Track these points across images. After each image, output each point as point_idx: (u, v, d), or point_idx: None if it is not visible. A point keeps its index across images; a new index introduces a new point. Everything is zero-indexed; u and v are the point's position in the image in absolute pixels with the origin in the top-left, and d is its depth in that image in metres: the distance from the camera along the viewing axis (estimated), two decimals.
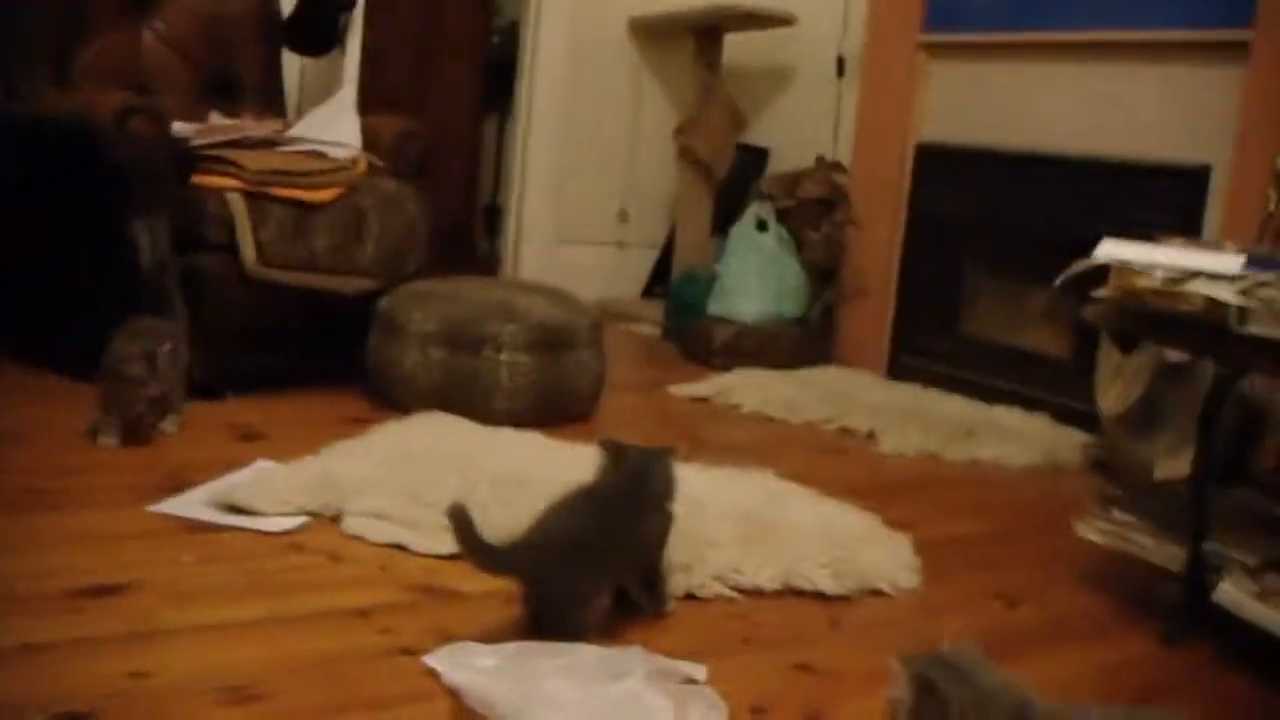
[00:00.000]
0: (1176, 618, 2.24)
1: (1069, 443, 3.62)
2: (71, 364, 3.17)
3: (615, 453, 2.08)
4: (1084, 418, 3.67)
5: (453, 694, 1.70)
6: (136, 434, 2.72)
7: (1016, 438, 3.64)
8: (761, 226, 4.67)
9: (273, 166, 3.33)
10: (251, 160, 3.29)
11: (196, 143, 3.33)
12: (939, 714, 1.34)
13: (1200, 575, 2.21)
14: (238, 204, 3.21)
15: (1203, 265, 2.11)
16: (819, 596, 2.27)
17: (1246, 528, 2.37)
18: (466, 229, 6.18)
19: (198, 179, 3.25)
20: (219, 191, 3.22)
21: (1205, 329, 2.07)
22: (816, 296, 4.67)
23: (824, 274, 4.69)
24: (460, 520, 1.83)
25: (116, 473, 2.54)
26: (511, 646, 1.80)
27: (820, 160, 4.85)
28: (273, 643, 1.84)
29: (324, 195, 3.38)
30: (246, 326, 3.25)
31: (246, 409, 3.12)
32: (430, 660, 1.77)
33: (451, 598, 2.09)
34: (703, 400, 3.90)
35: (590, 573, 1.92)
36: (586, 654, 1.76)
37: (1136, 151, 3.78)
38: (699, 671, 1.83)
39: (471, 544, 1.84)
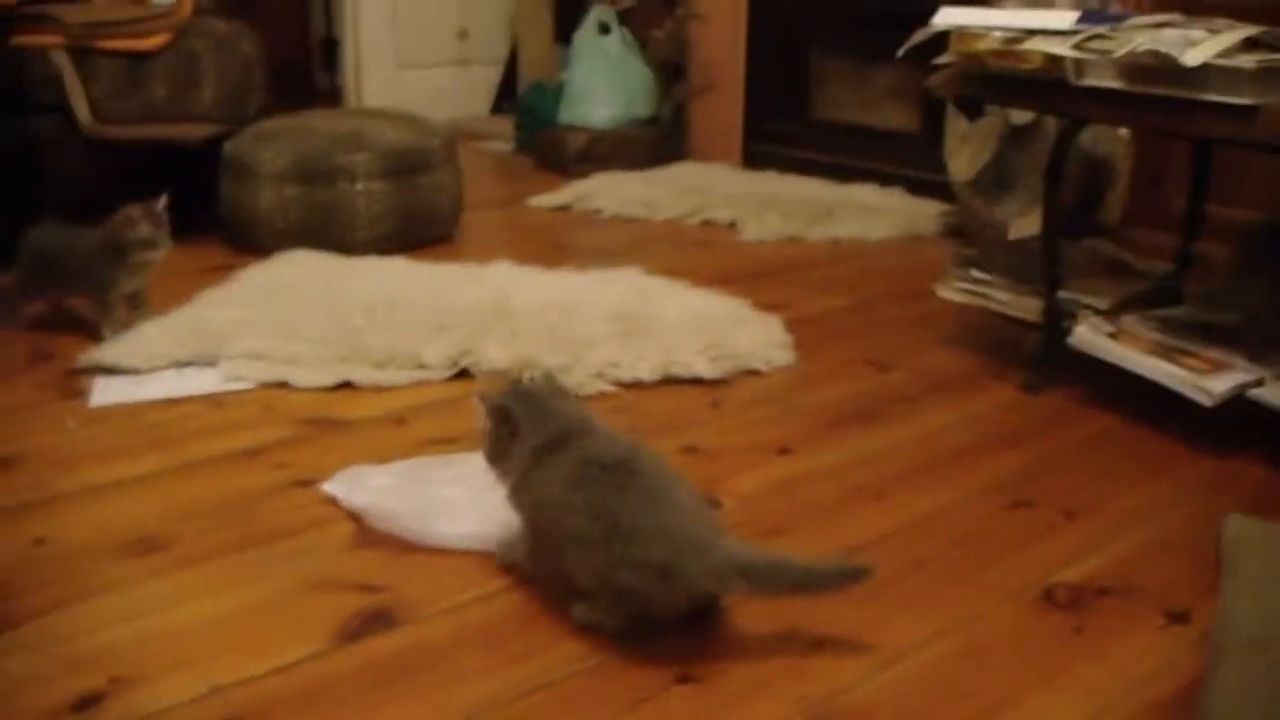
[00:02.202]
0: (1037, 365, 2.35)
1: (924, 213, 3.70)
2: None
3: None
4: (937, 188, 3.75)
5: (354, 516, 1.74)
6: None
7: (874, 213, 3.72)
8: (604, 30, 4.63)
9: (94, 18, 3.20)
10: (71, 14, 3.16)
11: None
12: (509, 430, 1.52)
13: (1057, 323, 2.31)
14: (64, 61, 3.10)
15: (1038, 24, 2.15)
16: (698, 382, 2.33)
17: (1097, 275, 2.48)
18: (304, 65, 6.01)
19: (17, 40, 3.11)
20: (42, 51, 3.09)
21: (1045, 86, 2.13)
22: (666, 95, 4.66)
23: (671, 71, 4.67)
24: None
25: None
26: (401, 464, 1.84)
27: None
28: (167, 494, 1.85)
29: (153, 42, 3.26)
30: (90, 188, 3.16)
31: None
32: (327, 487, 1.79)
33: (338, 427, 2.11)
34: (563, 209, 3.91)
35: None
36: (475, 462, 1.80)
37: None
38: None
39: None
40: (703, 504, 1.48)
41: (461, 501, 1.68)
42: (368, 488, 1.74)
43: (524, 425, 1.52)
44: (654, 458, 1.49)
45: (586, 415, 1.56)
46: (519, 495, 1.54)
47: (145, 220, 2.48)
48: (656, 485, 1.43)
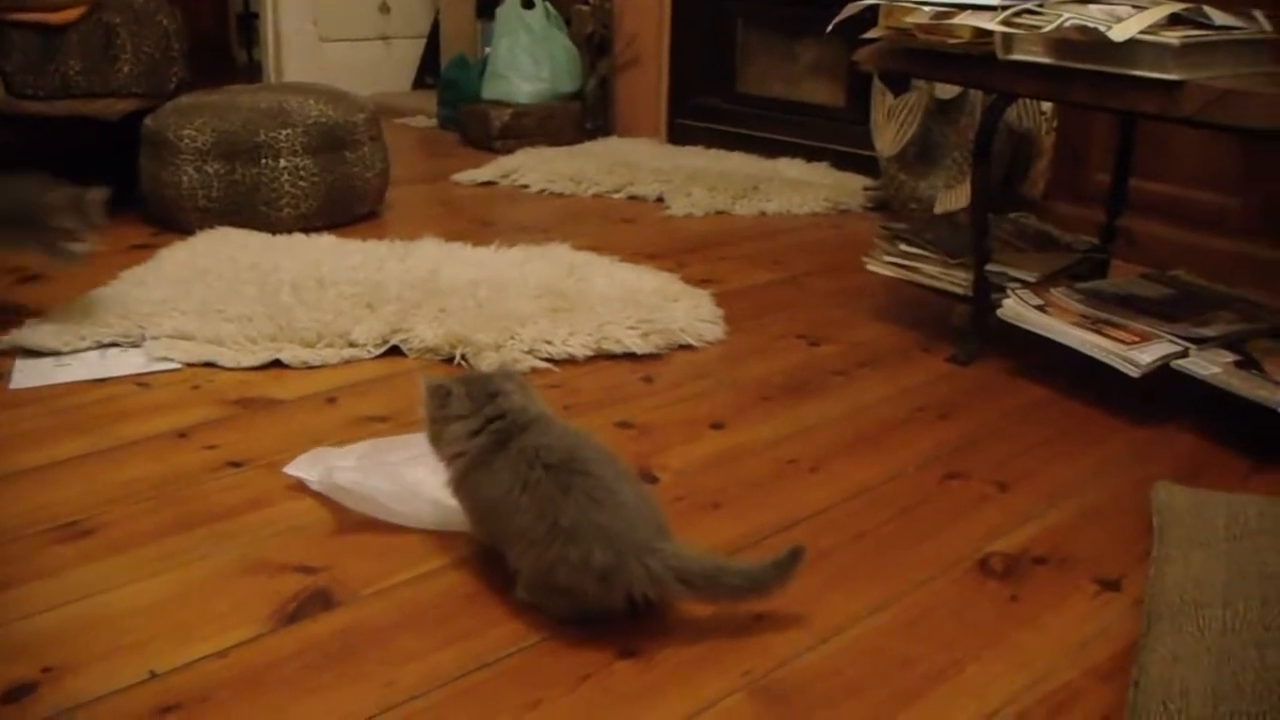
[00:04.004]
0: (966, 338, 2.37)
1: (850, 187, 3.73)
2: None
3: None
4: (863, 162, 3.78)
5: (293, 496, 1.73)
6: None
7: (800, 187, 3.74)
8: (527, 4, 4.60)
9: None
10: None
11: None
12: (442, 404, 1.53)
13: (986, 296, 2.33)
14: None
15: None
16: (630, 357, 2.34)
17: (1024, 249, 2.51)
18: (221, 39, 5.92)
19: None
20: None
21: (973, 60, 2.14)
22: (591, 69, 4.64)
23: (596, 46, 4.65)
24: None
25: None
26: (361, 445, 1.82)
27: None
28: (95, 476, 1.82)
29: (67, 15, 3.19)
30: (6, 164, 3.09)
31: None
32: (290, 470, 1.78)
33: (268, 406, 2.09)
34: (489, 184, 3.89)
35: None
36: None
37: None
38: None
39: None
40: (650, 503, 1.46)
41: (429, 481, 1.65)
42: (342, 469, 1.71)
43: (464, 408, 1.51)
44: (601, 454, 1.47)
45: (533, 405, 1.53)
46: (461, 489, 1.53)
47: (71, 213, 2.39)
48: (601, 485, 1.41)
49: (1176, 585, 1.48)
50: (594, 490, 1.40)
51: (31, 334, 2.32)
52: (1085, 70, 1.98)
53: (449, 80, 4.91)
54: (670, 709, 1.29)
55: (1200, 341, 2.05)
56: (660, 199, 3.67)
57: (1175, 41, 1.84)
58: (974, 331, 2.36)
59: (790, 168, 3.99)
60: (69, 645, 1.39)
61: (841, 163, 3.96)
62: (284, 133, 3.14)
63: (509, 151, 4.27)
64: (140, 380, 2.19)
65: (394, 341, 2.33)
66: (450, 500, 1.57)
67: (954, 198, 3.17)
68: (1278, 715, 1.21)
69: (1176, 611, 1.42)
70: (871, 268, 2.57)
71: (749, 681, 1.34)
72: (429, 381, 1.55)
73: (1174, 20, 1.91)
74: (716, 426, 2.04)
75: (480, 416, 1.50)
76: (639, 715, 1.28)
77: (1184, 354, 2.02)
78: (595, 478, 1.41)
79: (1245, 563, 1.51)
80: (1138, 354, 2.01)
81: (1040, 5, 2.06)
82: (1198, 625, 1.38)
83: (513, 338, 2.31)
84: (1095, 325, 2.12)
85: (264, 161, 3.12)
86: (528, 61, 4.53)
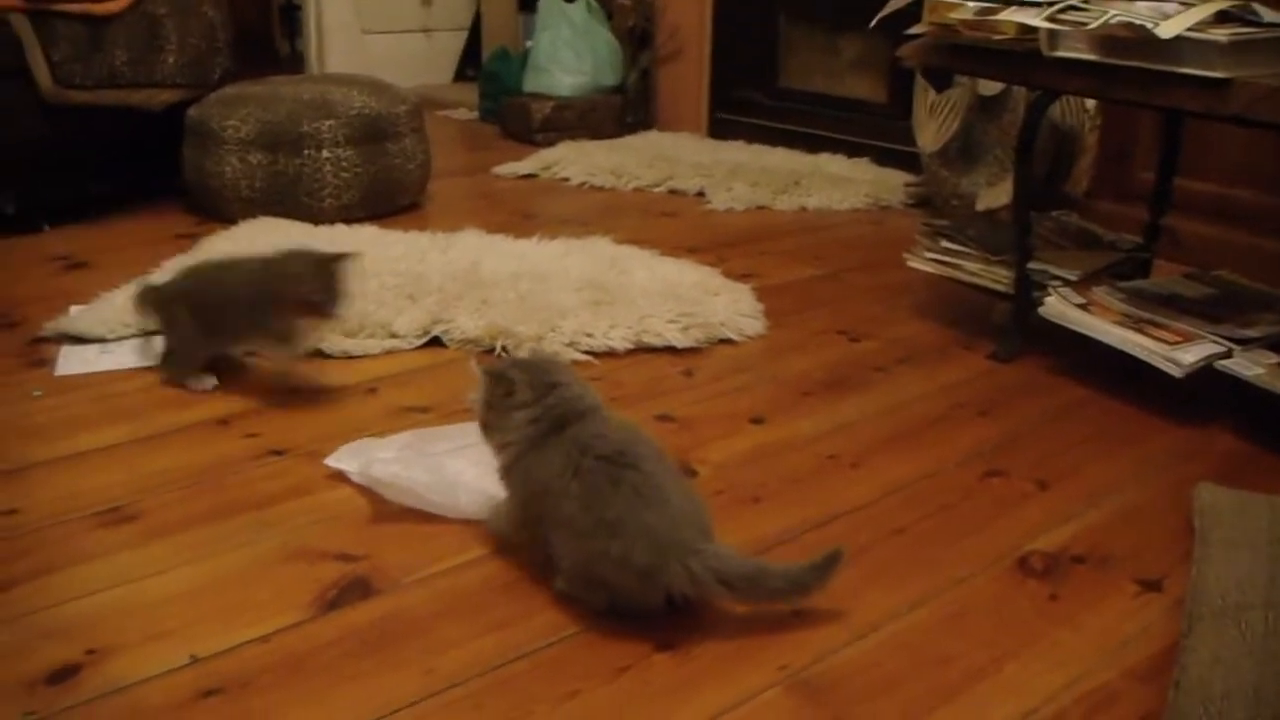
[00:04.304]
0: (1007, 336, 2.36)
1: (892, 183, 3.72)
2: None
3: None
4: (904, 158, 3.77)
5: (333, 485, 1.74)
6: None
7: (841, 183, 3.72)
8: None
9: None
10: None
11: None
12: (505, 392, 1.51)
13: (1028, 294, 2.32)
14: (23, 25, 3.04)
15: None
16: (671, 351, 2.34)
17: (1066, 247, 2.49)
18: (264, 31, 5.95)
19: None
20: None
21: (1017, 56, 2.13)
22: (632, 63, 4.64)
23: (638, 39, 4.65)
24: None
25: None
26: (403, 436, 1.82)
27: None
28: (138, 463, 1.83)
29: (114, 6, 3.21)
30: (53, 153, 3.12)
31: (67, 239, 3.03)
32: (330, 461, 1.78)
33: (309, 395, 2.10)
34: (530, 177, 3.90)
35: None
36: (471, 432, 1.78)
37: None
38: None
39: None
40: (696, 502, 1.46)
41: (469, 474, 1.66)
42: (382, 460, 1.72)
43: (527, 396, 1.50)
44: (652, 450, 1.46)
45: (587, 394, 1.53)
46: (512, 474, 1.52)
47: (315, 281, 2.01)
48: (650, 481, 1.40)
49: (1218, 587, 1.47)
50: (642, 486, 1.40)
51: (77, 321, 2.34)
52: (1131, 67, 1.96)
53: (490, 73, 4.93)
54: (707, 702, 1.29)
55: (1244, 342, 2.03)
56: (701, 193, 3.67)
57: (1223, 39, 1.83)
58: (1015, 329, 2.35)
59: (831, 163, 3.98)
60: (112, 629, 1.40)
61: (883, 159, 3.95)
62: (326, 124, 3.16)
63: (550, 144, 4.28)
64: None
65: (435, 332, 2.34)
66: (493, 491, 1.57)
67: (996, 195, 3.16)
68: None
69: (1218, 613, 1.41)
70: (912, 264, 2.56)
71: (786, 676, 1.34)
72: (487, 368, 1.54)
73: (1222, 17, 1.90)
74: (756, 421, 2.04)
75: (540, 405, 1.50)
76: (676, 708, 1.28)
77: (1227, 354, 2.01)
78: (645, 474, 1.41)
79: None
80: (1180, 354, 2.00)
81: (1086, 1, 2.04)
82: (1240, 627, 1.38)
83: (553, 330, 2.31)
84: (1138, 324, 2.11)
85: (306, 152, 3.13)
86: (569, 54, 4.53)
